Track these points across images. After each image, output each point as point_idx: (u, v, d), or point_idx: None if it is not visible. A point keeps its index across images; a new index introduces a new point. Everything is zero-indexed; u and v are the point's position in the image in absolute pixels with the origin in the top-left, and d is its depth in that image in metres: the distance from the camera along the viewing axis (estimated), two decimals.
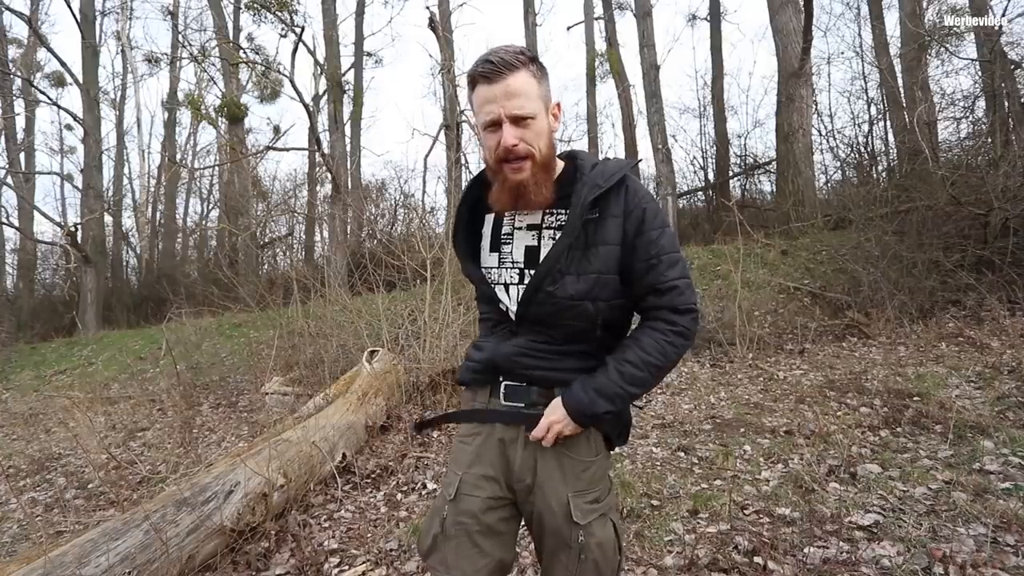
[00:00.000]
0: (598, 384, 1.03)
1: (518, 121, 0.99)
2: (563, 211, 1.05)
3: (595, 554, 1.05)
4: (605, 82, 14.80)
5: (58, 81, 16.69)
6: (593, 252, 1.02)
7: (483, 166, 1.14)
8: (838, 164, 11.21)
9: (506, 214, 1.11)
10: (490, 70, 0.97)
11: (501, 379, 1.11)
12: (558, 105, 1.08)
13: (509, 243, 1.10)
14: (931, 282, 5.39)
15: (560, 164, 1.12)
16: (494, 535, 1.09)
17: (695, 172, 14.50)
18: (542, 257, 1.05)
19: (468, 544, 1.07)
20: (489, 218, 1.14)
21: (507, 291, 1.09)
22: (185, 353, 7.16)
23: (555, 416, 1.03)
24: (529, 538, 1.32)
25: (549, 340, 1.07)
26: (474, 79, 1.01)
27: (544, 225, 1.07)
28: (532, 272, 1.06)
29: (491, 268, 1.12)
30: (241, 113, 12.49)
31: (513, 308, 1.08)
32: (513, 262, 1.09)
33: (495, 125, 0.99)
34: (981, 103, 7.81)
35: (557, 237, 1.04)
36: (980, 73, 8.24)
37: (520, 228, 1.09)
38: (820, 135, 11.16)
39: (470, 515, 1.07)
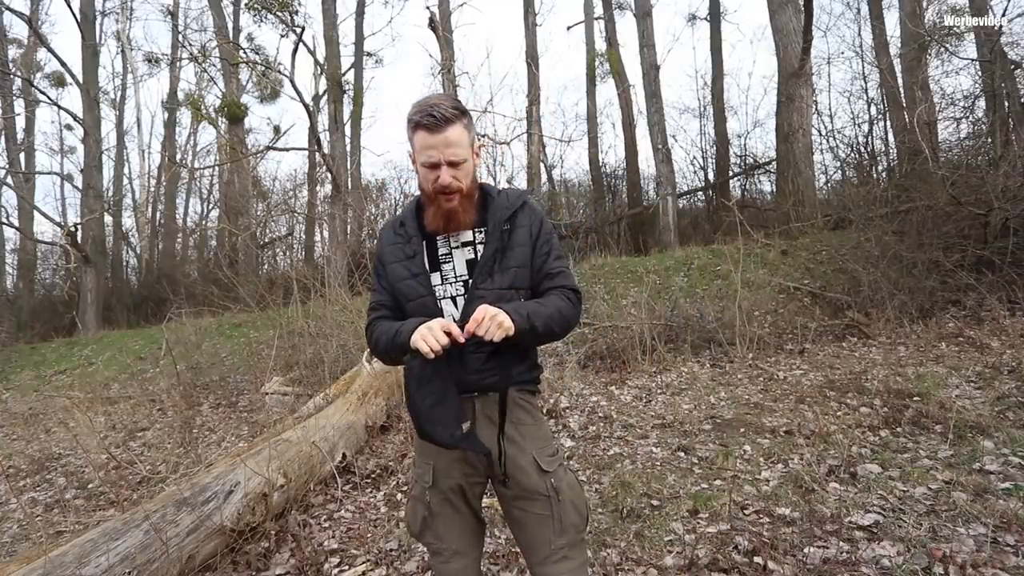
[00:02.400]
0: (516, 305, 1.20)
1: (453, 164, 1.20)
2: (483, 228, 1.29)
3: (568, 495, 1.28)
4: (605, 82, 14.82)
5: (58, 81, 16.68)
6: (511, 253, 1.27)
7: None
8: (838, 164, 11.26)
9: (439, 238, 1.30)
10: (432, 123, 1.16)
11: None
12: (481, 146, 1.34)
13: (449, 261, 1.29)
14: (931, 282, 5.38)
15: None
16: (469, 502, 1.32)
17: (695, 172, 14.57)
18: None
19: (453, 513, 1.31)
20: (422, 244, 1.30)
21: (454, 302, 1.27)
22: (185, 353, 7.16)
23: (489, 308, 1.15)
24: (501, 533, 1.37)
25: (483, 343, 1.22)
26: (417, 125, 1.18)
27: (476, 241, 1.29)
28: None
29: (435, 285, 1.28)
30: (241, 113, 12.50)
31: (459, 315, 1.25)
32: (456, 276, 1.28)
33: (435, 166, 1.20)
34: (981, 103, 7.82)
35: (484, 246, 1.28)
36: (980, 73, 8.25)
37: (456, 247, 1.29)
38: (820, 135, 11.20)
39: (451, 491, 1.29)
